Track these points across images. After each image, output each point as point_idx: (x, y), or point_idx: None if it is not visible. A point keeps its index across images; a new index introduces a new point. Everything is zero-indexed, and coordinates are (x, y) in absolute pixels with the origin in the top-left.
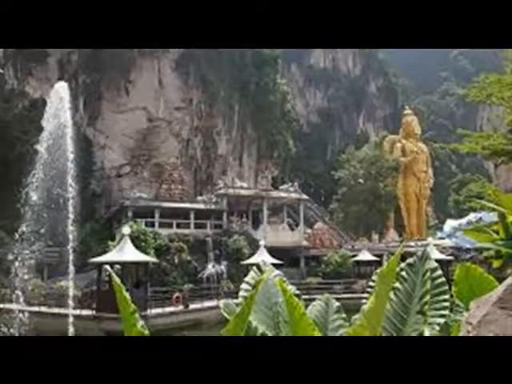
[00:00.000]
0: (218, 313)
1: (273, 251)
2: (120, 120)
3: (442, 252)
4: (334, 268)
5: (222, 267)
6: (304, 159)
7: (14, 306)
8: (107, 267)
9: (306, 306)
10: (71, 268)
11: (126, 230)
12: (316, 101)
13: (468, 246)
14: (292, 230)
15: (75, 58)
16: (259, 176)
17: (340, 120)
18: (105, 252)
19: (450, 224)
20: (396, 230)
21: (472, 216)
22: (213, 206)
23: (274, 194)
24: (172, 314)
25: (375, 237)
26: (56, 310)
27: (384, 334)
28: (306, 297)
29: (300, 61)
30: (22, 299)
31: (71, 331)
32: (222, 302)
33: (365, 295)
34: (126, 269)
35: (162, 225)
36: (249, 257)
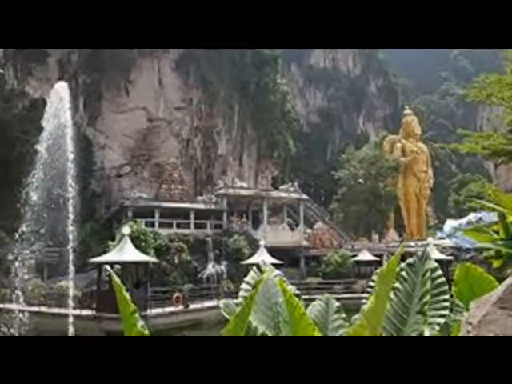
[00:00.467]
0: (218, 313)
1: (273, 251)
2: (120, 120)
3: (442, 252)
4: (334, 268)
5: (222, 267)
6: (304, 159)
7: (14, 306)
8: (107, 267)
9: (306, 306)
10: (71, 268)
11: (126, 229)
12: (316, 101)
13: (468, 245)
14: (292, 230)
15: (75, 57)
16: (259, 176)
17: (340, 120)
18: (105, 252)
19: (449, 224)
20: (396, 229)
21: (472, 216)
22: (213, 206)
23: (274, 193)
24: (172, 313)
25: (375, 237)
26: (56, 310)
27: (384, 334)
28: (306, 297)
29: (300, 61)
30: (21, 299)
31: (71, 331)
32: (222, 302)
33: (365, 295)
34: (126, 269)
35: (162, 225)
36: (249, 257)
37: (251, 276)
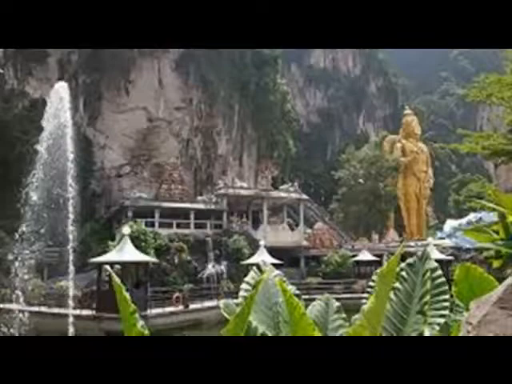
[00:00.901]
0: (217, 313)
1: (273, 251)
2: (120, 120)
3: (442, 252)
4: (334, 268)
5: (222, 267)
6: (304, 159)
7: (14, 306)
8: (107, 267)
9: (306, 306)
10: (71, 268)
11: (126, 230)
12: (316, 101)
13: (468, 245)
14: (292, 230)
15: (75, 58)
16: (259, 176)
17: (340, 120)
18: (105, 252)
19: (450, 224)
20: (396, 229)
21: (472, 216)
22: (213, 206)
23: (274, 193)
24: (172, 313)
25: (375, 237)
26: (56, 310)
27: (384, 334)
28: (306, 297)
29: (300, 61)
30: (22, 299)
31: (71, 331)
32: (221, 302)
33: (365, 295)
34: (126, 269)
35: (162, 225)
36: (249, 257)
37: (251, 276)
